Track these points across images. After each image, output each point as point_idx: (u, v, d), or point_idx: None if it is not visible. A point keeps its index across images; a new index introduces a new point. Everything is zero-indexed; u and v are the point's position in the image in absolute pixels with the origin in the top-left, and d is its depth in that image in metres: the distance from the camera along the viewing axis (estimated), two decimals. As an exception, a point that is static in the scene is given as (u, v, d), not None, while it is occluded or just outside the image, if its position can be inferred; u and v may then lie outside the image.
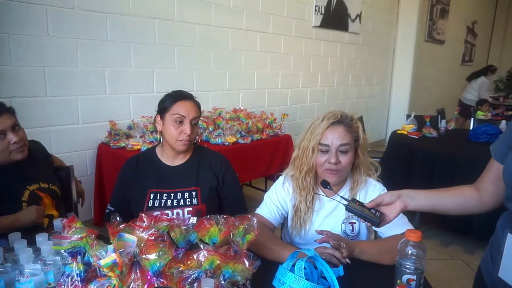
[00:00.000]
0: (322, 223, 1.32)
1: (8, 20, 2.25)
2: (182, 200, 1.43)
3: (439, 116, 4.19)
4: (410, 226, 1.22)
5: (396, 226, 1.18)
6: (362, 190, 1.32)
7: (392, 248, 1.08)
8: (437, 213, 1.07)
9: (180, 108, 1.39)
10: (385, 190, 1.33)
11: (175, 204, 1.43)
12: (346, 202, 1.04)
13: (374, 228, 1.31)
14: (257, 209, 1.39)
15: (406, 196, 1.02)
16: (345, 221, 1.31)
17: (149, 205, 1.42)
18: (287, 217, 1.40)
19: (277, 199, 1.37)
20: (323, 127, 1.23)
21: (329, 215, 1.32)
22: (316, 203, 1.33)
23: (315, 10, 4.42)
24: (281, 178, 1.40)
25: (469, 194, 1.03)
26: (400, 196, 1.02)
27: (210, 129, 3.03)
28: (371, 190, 1.32)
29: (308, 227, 1.32)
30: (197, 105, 1.46)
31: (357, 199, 1.29)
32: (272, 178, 3.45)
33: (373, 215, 1.00)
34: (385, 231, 1.24)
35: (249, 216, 0.97)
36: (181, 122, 1.39)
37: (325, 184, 1.18)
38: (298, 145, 1.33)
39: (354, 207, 1.01)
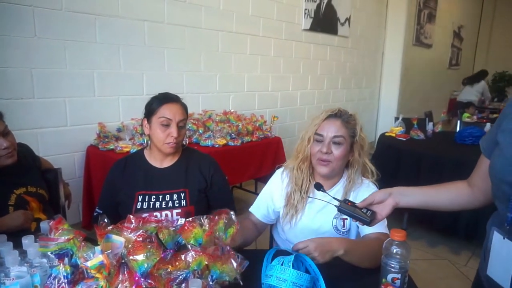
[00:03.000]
0: (315, 217, 1.34)
1: (-6, 21, 2.23)
2: (170, 202, 1.43)
3: (427, 119, 4.26)
4: (385, 229, 1.24)
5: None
6: (355, 190, 1.34)
7: (373, 255, 1.10)
8: (430, 209, 1.06)
9: (166, 111, 1.40)
10: None
11: (163, 206, 1.43)
12: (337, 203, 1.04)
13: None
14: (251, 206, 1.45)
15: (397, 193, 1.03)
16: (336, 216, 1.33)
17: (138, 207, 1.42)
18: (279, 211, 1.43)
19: (270, 192, 1.41)
20: (321, 118, 1.30)
21: (321, 210, 1.34)
22: (310, 194, 1.35)
23: (305, 13, 4.46)
24: (280, 169, 1.44)
25: (461, 190, 1.04)
26: (391, 194, 1.02)
27: (200, 131, 3.03)
28: (363, 190, 1.34)
29: (299, 216, 1.34)
30: (184, 107, 1.47)
31: (349, 198, 1.32)
32: (263, 180, 3.46)
33: (364, 215, 1.00)
34: (362, 228, 1.27)
35: (227, 210, 0.98)
36: (167, 125, 1.40)
37: (318, 187, 1.19)
38: (300, 137, 1.38)
39: (345, 208, 1.02)
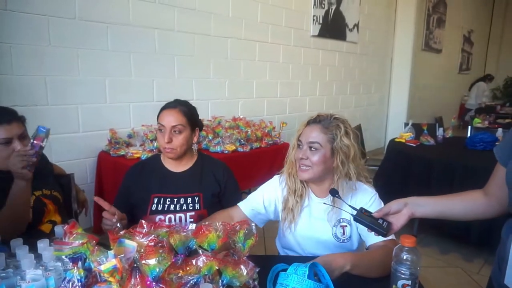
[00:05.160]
0: (314, 225, 1.33)
1: (10, 31, 2.29)
2: (185, 205, 1.47)
3: (437, 124, 4.23)
4: (392, 235, 1.20)
5: None
6: (352, 195, 1.31)
7: (381, 263, 1.09)
8: (445, 219, 1.06)
9: (162, 118, 1.45)
10: (376, 196, 1.32)
11: (177, 209, 1.46)
12: (354, 212, 1.04)
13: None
14: (241, 201, 1.44)
15: (413, 203, 1.03)
16: (336, 224, 1.31)
17: (153, 209, 1.45)
18: (278, 214, 1.42)
19: (262, 200, 1.41)
20: (303, 124, 1.32)
21: (320, 218, 1.33)
22: (305, 199, 1.35)
23: (313, 20, 4.49)
24: (276, 177, 1.45)
25: (478, 199, 1.03)
26: (407, 204, 1.02)
27: (210, 137, 3.05)
28: (361, 195, 1.31)
29: (297, 221, 1.34)
30: (182, 112, 1.46)
31: (364, 208, 1.31)
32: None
33: (380, 226, 1.01)
34: (366, 237, 1.25)
35: (247, 220, 0.99)
36: (163, 131, 1.44)
37: (333, 193, 1.19)
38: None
39: (362, 218, 1.02)
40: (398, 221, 1.03)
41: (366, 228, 1.04)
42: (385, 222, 1.02)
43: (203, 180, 1.53)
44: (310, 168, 1.26)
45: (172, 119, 1.44)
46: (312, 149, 1.26)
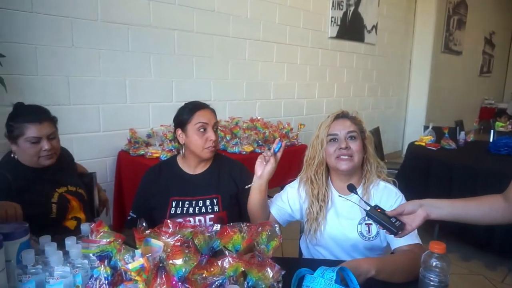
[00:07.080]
0: (338, 223, 1.33)
1: (35, 32, 2.34)
2: (204, 207, 1.46)
3: (458, 128, 4.13)
4: (418, 239, 1.20)
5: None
6: (376, 194, 1.31)
7: (406, 268, 1.07)
8: (462, 222, 1.03)
9: (201, 117, 1.46)
10: (402, 197, 1.32)
11: (197, 212, 1.46)
12: (368, 208, 1.03)
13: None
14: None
15: (428, 205, 1.00)
16: (361, 221, 1.30)
17: (172, 212, 1.45)
18: (302, 221, 1.42)
19: (287, 199, 1.41)
20: (329, 120, 1.34)
21: (345, 216, 1.32)
22: (328, 202, 1.34)
23: (331, 21, 4.45)
24: (296, 182, 1.44)
25: (496, 204, 1.00)
26: (422, 205, 1.00)
27: (228, 138, 3.06)
28: (386, 196, 1.31)
29: (323, 227, 1.33)
30: (214, 112, 1.53)
31: (371, 196, 1.30)
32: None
33: (392, 224, 0.99)
34: (391, 240, 1.23)
35: (270, 222, 0.98)
36: (204, 130, 1.45)
37: (351, 188, 1.20)
38: (309, 146, 1.40)
39: (375, 214, 1.01)
40: (413, 221, 1.00)
41: (378, 225, 1.02)
42: (398, 222, 1.00)
43: (221, 182, 1.53)
44: (351, 157, 1.28)
45: (212, 116, 1.49)
46: (352, 137, 1.30)
